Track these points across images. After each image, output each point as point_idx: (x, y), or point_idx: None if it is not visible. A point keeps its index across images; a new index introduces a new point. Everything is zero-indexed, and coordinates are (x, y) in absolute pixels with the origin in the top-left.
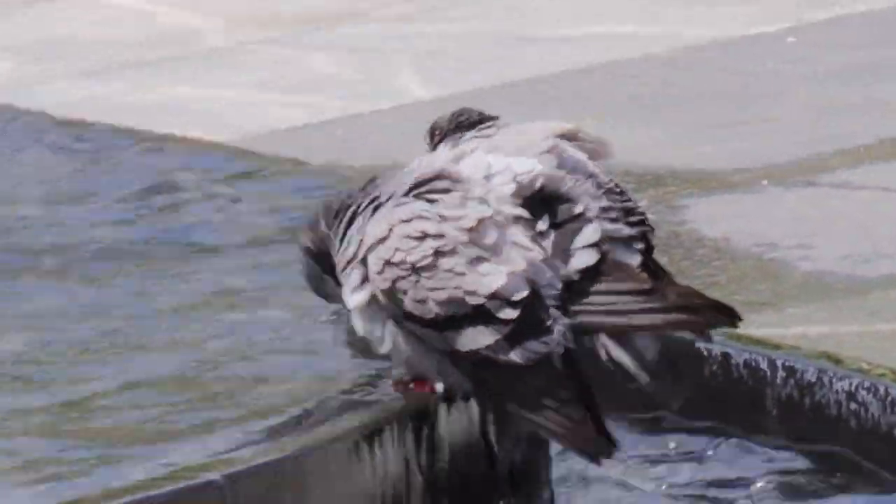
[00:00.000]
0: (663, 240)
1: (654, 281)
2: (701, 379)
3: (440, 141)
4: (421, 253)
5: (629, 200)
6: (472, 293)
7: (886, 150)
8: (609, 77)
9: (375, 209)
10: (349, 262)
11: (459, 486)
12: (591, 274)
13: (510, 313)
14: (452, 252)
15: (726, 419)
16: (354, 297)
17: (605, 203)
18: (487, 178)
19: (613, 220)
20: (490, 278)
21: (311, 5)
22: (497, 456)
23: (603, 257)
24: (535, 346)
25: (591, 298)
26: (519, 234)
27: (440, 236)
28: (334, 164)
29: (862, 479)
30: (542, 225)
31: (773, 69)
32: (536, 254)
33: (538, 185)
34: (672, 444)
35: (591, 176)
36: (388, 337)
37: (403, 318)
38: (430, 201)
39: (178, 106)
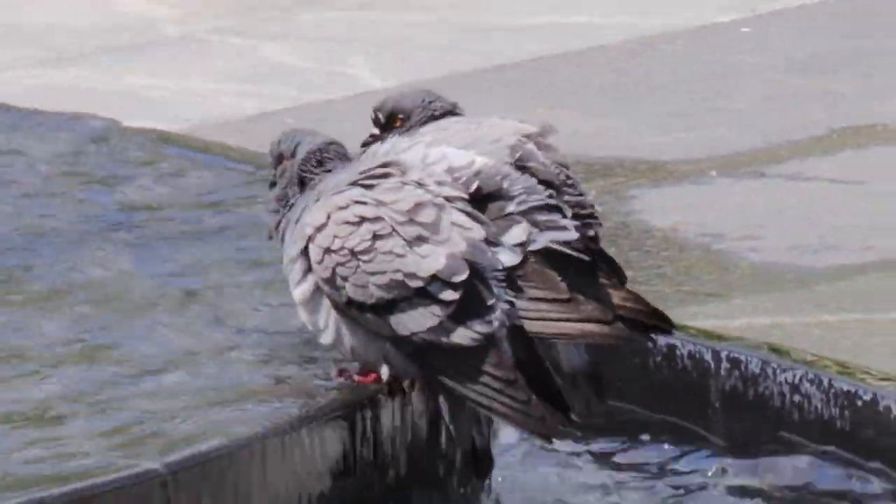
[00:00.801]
0: (612, 230)
1: (572, 291)
2: (647, 371)
3: (400, 127)
4: (359, 237)
5: (580, 194)
6: (412, 275)
7: (836, 141)
8: (563, 67)
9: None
10: (293, 258)
11: (414, 470)
12: (512, 274)
13: (451, 295)
14: (390, 235)
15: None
16: (297, 291)
17: (545, 202)
18: (423, 167)
19: (553, 224)
20: (429, 260)
21: None
22: (455, 439)
23: (525, 260)
24: (479, 327)
25: (511, 298)
26: (458, 214)
27: (377, 219)
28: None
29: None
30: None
31: (727, 60)
32: (476, 233)
33: (474, 186)
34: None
35: (540, 169)
36: (331, 326)
37: (346, 306)
38: (367, 187)
39: (130, 94)
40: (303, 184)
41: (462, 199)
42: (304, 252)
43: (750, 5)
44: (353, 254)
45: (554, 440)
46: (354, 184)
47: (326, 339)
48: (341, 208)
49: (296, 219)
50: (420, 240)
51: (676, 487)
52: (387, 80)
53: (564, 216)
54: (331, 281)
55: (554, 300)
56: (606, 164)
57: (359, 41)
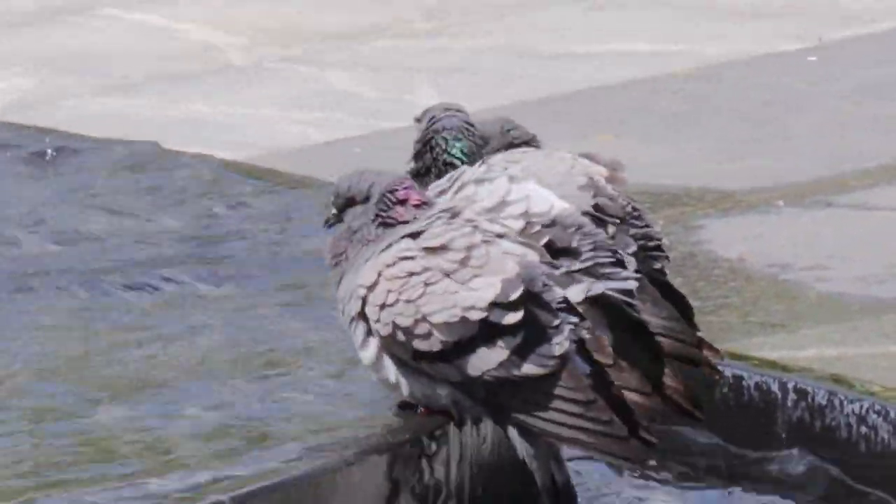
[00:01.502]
0: (679, 260)
1: (617, 356)
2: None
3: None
4: (412, 288)
5: (647, 226)
6: (471, 308)
7: None
8: (628, 95)
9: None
10: (352, 318)
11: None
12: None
13: (513, 317)
14: (441, 280)
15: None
16: (363, 354)
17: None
18: (500, 205)
19: (615, 276)
20: (484, 290)
21: (332, 22)
22: (534, 474)
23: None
24: (549, 350)
25: None
26: (508, 244)
27: (426, 270)
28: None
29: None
30: None
31: (793, 88)
32: (530, 256)
33: (544, 240)
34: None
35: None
36: (402, 382)
37: (413, 360)
38: (415, 236)
39: (197, 123)
40: (385, 225)
41: (511, 232)
42: (362, 313)
43: (816, 34)
44: (409, 303)
45: (637, 464)
46: (403, 237)
47: (401, 394)
48: (389, 266)
49: (355, 267)
50: (473, 276)
51: None
52: None
53: (626, 269)
54: (392, 337)
55: (598, 361)
56: (673, 194)
57: (424, 69)
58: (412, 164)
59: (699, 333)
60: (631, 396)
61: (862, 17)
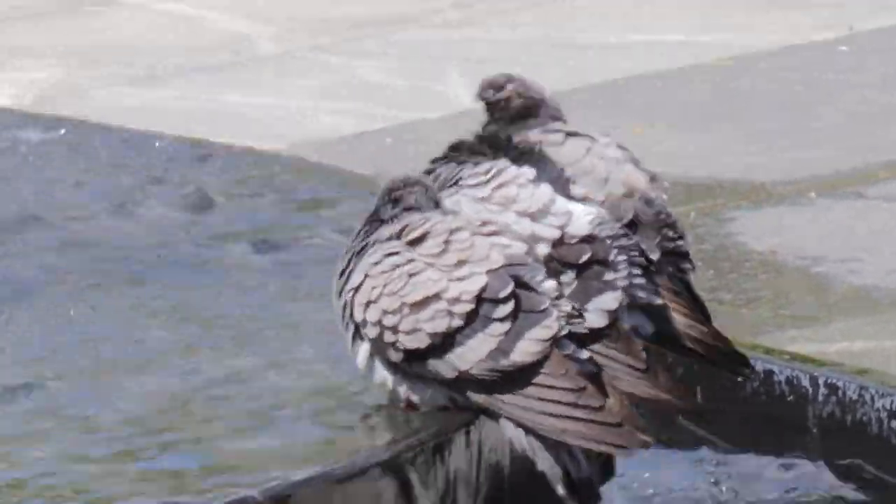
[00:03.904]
0: (711, 252)
1: (650, 361)
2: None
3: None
4: (395, 281)
5: (680, 237)
6: (456, 300)
7: None
8: (659, 85)
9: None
10: (344, 324)
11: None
12: (596, 335)
13: (503, 310)
14: (425, 268)
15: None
16: (356, 358)
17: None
18: (541, 213)
19: (644, 286)
20: (469, 281)
21: (360, 12)
22: (544, 471)
23: (612, 324)
24: (538, 334)
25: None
26: (496, 237)
27: (410, 261)
28: (382, 172)
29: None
30: (568, 276)
31: (824, 78)
32: (516, 248)
33: (585, 256)
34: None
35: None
36: (393, 384)
37: (404, 361)
38: (400, 235)
39: (226, 113)
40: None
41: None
42: (351, 316)
43: (847, 24)
44: (393, 295)
45: (632, 451)
46: (390, 238)
47: (398, 396)
48: (375, 264)
49: (341, 269)
50: (458, 264)
51: None
52: None
53: (657, 286)
54: (381, 339)
55: (632, 367)
56: (705, 185)
57: (453, 59)
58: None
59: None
60: (665, 398)
61: (892, 7)
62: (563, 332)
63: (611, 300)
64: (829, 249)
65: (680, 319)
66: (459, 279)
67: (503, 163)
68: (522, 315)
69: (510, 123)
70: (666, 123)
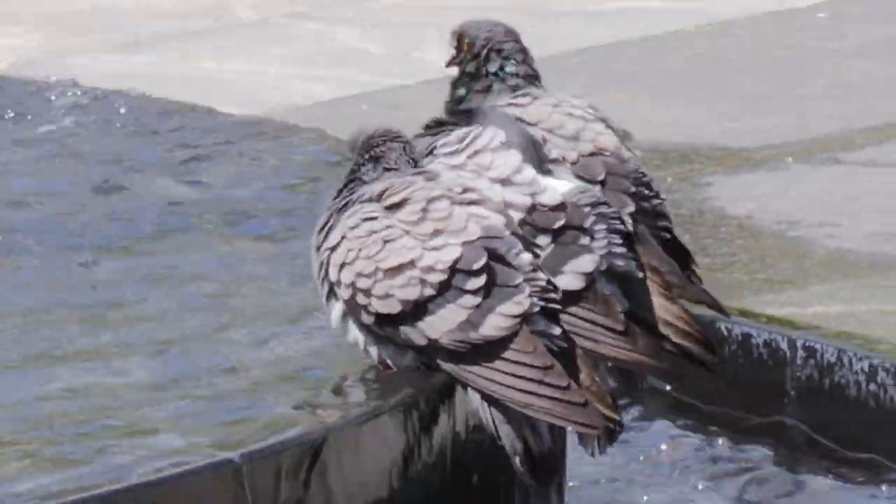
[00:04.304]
0: (687, 217)
1: (629, 322)
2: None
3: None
4: (371, 245)
5: (655, 196)
6: (429, 269)
7: None
8: (638, 52)
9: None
10: (319, 280)
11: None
12: (573, 298)
13: (474, 283)
14: (402, 235)
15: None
16: (330, 316)
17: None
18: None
19: (623, 255)
20: (444, 251)
21: None
22: (503, 442)
23: (588, 286)
24: (508, 309)
25: (568, 319)
26: (475, 207)
27: (388, 227)
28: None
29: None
30: (543, 239)
31: (803, 45)
32: (493, 220)
33: (560, 222)
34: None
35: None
36: (364, 345)
37: (377, 326)
38: (379, 198)
39: (205, 79)
40: (353, 177)
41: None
42: (326, 275)
43: None
44: (368, 259)
45: (597, 430)
46: (370, 199)
47: (370, 356)
48: (352, 228)
49: (321, 225)
50: (435, 233)
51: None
52: None
53: (637, 257)
54: (354, 300)
55: (611, 329)
56: (682, 152)
57: (432, 26)
58: (460, 89)
59: (704, 288)
60: (643, 360)
61: None
62: (535, 309)
63: (587, 262)
64: (806, 214)
65: (656, 300)
66: (435, 248)
67: (476, 129)
68: (495, 289)
69: (473, 83)
70: (643, 91)
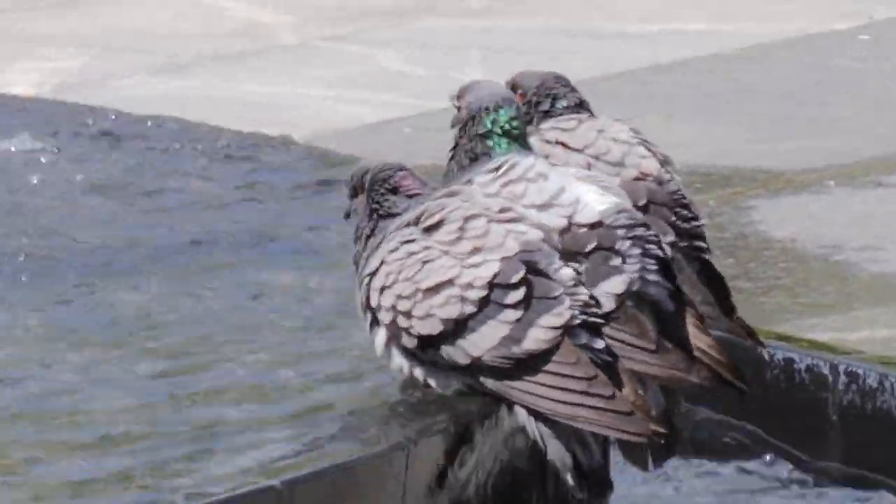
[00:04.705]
0: (730, 241)
1: (660, 339)
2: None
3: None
4: (410, 267)
5: (694, 218)
6: (468, 286)
7: None
8: (679, 75)
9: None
10: (362, 309)
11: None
12: (604, 319)
13: (514, 296)
14: (440, 256)
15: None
16: (374, 345)
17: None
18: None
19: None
20: (482, 268)
21: (379, 2)
22: (552, 458)
23: (620, 306)
24: (549, 321)
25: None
26: (512, 224)
27: (426, 248)
28: (403, 162)
29: None
30: (579, 264)
31: (844, 67)
32: (531, 234)
33: (591, 245)
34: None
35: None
36: (414, 372)
37: (420, 350)
38: (416, 222)
39: (247, 103)
40: (380, 217)
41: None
42: (367, 302)
43: (867, 12)
44: (407, 281)
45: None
46: (408, 224)
47: (417, 383)
48: (391, 252)
49: (364, 256)
50: (473, 251)
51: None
52: None
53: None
54: (395, 324)
55: (643, 348)
56: (724, 175)
57: (473, 48)
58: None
59: (738, 317)
60: (677, 374)
61: None
62: (576, 321)
63: (618, 283)
64: (849, 237)
65: (689, 330)
66: (473, 266)
67: (514, 157)
68: (535, 301)
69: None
70: (684, 113)
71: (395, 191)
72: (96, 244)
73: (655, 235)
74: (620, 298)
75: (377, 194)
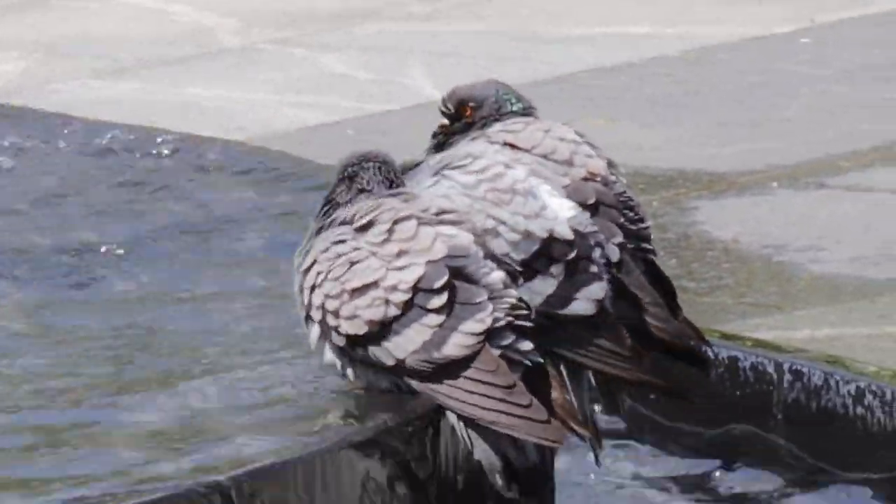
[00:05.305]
0: (673, 241)
1: (636, 347)
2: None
3: (470, 117)
4: (338, 268)
5: (640, 220)
6: (392, 288)
7: None
8: (622, 77)
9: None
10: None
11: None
12: (586, 323)
13: (436, 301)
14: (368, 257)
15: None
16: (310, 339)
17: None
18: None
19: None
20: (407, 271)
21: (324, 6)
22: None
23: (599, 313)
24: (470, 327)
25: (579, 342)
26: (445, 227)
27: (355, 249)
28: None
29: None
30: (556, 269)
31: (786, 70)
32: (462, 239)
33: (571, 256)
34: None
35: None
36: (346, 370)
37: (347, 345)
38: (349, 222)
39: (190, 106)
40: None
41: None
42: (301, 297)
43: (809, 16)
44: (335, 281)
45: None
46: (343, 222)
47: (348, 378)
48: (323, 251)
49: (304, 251)
50: (400, 254)
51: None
52: (445, 90)
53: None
54: (325, 322)
55: (619, 354)
56: (668, 176)
57: (417, 52)
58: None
59: (685, 317)
60: (650, 379)
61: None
62: (499, 325)
63: (598, 289)
64: (792, 238)
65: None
66: (398, 268)
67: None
68: (458, 307)
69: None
70: (628, 116)
71: (350, 179)
72: None
73: (603, 241)
74: (599, 304)
75: (337, 178)
